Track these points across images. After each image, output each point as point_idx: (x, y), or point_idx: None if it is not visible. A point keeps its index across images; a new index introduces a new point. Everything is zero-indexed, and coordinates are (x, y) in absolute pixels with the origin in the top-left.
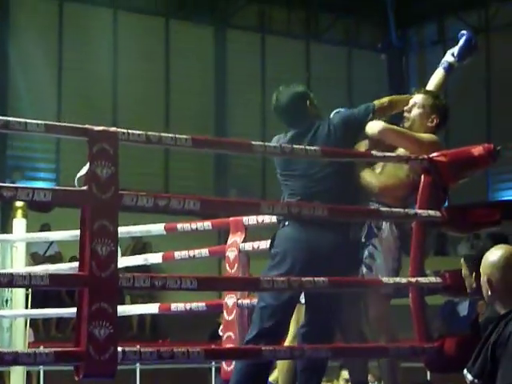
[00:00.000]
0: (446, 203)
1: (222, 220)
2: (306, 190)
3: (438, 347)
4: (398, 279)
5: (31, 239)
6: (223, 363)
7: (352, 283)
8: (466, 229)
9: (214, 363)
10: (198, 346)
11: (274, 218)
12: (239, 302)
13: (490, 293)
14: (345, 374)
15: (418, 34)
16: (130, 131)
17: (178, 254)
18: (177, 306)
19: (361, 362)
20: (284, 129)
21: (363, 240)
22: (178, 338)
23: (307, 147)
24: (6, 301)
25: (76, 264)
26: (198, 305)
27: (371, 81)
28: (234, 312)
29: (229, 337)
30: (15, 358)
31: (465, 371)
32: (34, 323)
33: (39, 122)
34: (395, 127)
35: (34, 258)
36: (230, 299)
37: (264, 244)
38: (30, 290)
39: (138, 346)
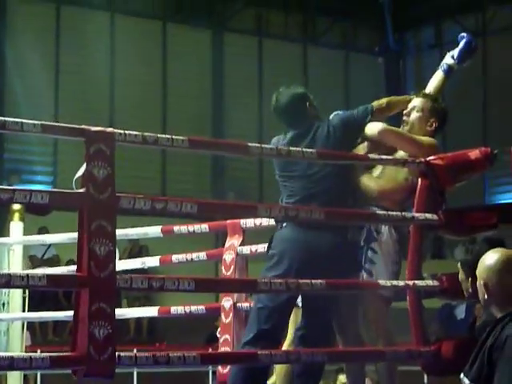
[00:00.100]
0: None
1: (220, 223)
2: (304, 191)
3: (435, 351)
4: (395, 282)
5: (28, 242)
6: (219, 366)
7: (349, 286)
8: (462, 232)
9: (210, 367)
10: (194, 350)
11: (271, 221)
12: (237, 305)
13: (486, 296)
14: (342, 378)
15: (415, 38)
16: (126, 132)
17: (175, 258)
18: (176, 309)
19: (358, 365)
20: (283, 130)
21: (362, 243)
22: (175, 341)
23: (304, 149)
24: (3, 304)
25: (73, 267)
26: (198, 308)
27: (368, 84)
28: (231, 315)
29: (225, 340)
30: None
31: (461, 375)
32: (31, 326)
33: (36, 122)
34: (395, 128)
35: (32, 260)
36: (226, 302)
37: (262, 247)
38: (26, 293)
39: (135, 351)
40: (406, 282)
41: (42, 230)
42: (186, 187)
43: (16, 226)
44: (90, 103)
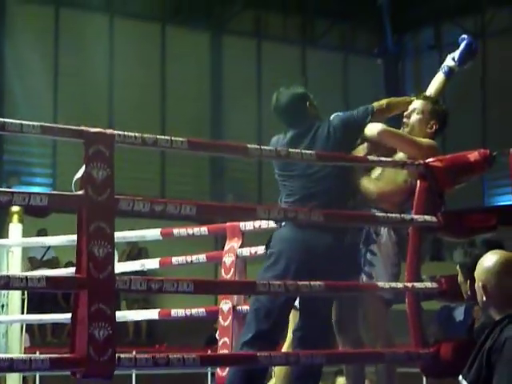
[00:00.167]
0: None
1: (219, 225)
2: (304, 191)
3: (433, 352)
4: (394, 284)
5: (27, 244)
6: (218, 368)
7: (349, 288)
8: (462, 234)
9: (210, 368)
10: (193, 352)
11: (271, 224)
12: (236, 307)
13: (484, 298)
14: (341, 380)
15: (414, 40)
16: (125, 133)
17: (175, 260)
18: (177, 312)
19: (358, 367)
20: (282, 131)
21: (361, 246)
22: (174, 344)
23: (303, 151)
24: (2, 306)
25: (72, 270)
26: (198, 310)
27: (367, 86)
28: (230, 318)
29: (224, 342)
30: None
31: (460, 377)
32: (29, 328)
33: (35, 123)
34: (394, 129)
35: (32, 262)
36: (225, 305)
37: (261, 249)
38: (25, 295)
39: (134, 353)
40: (405, 284)
41: (42, 232)
42: (185, 189)
43: (15, 227)
44: (89, 105)
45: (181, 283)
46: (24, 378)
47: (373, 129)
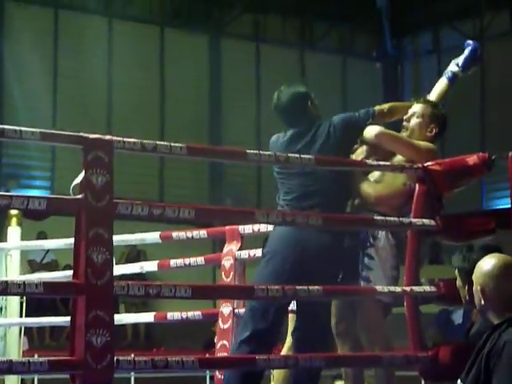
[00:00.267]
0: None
1: (218, 229)
2: (302, 189)
3: (432, 356)
4: (392, 288)
5: (26, 247)
6: (216, 371)
7: (347, 292)
8: (460, 238)
9: (208, 371)
10: (192, 355)
11: (270, 227)
12: (235, 310)
13: (483, 302)
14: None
15: (412, 43)
16: (125, 139)
17: (173, 262)
18: (173, 315)
19: (357, 371)
20: (282, 131)
21: (359, 249)
22: (172, 347)
23: (302, 156)
24: (1, 309)
25: (70, 272)
26: (194, 313)
27: (366, 89)
28: (230, 321)
29: (223, 345)
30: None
31: (458, 381)
32: (28, 331)
33: (34, 130)
34: (392, 132)
35: (31, 265)
36: (225, 308)
37: (260, 252)
38: (24, 298)
39: (133, 355)
40: (404, 287)
41: (41, 235)
42: (184, 192)
43: (13, 231)
44: (87, 107)
45: (179, 288)
46: (22, 380)
47: (371, 131)
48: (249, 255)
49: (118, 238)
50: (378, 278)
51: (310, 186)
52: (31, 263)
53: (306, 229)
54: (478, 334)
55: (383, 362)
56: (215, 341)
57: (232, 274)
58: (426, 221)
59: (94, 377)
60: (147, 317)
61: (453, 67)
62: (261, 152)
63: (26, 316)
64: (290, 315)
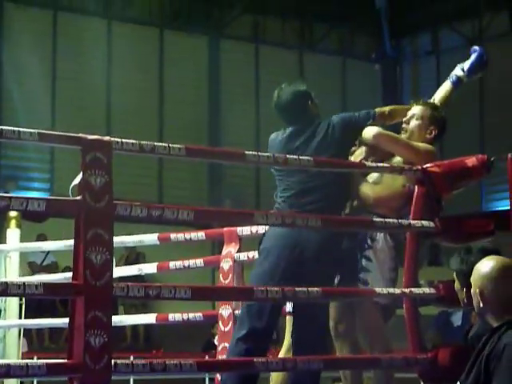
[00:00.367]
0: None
1: (216, 230)
2: (301, 185)
3: (431, 358)
4: (391, 290)
5: (25, 249)
6: (218, 374)
7: (346, 293)
8: (459, 239)
9: (207, 374)
10: (190, 358)
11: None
12: (235, 312)
13: (481, 305)
14: None
15: (411, 44)
16: (123, 140)
17: (172, 264)
18: (174, 316)
19: (356, 373)
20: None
21: (357, 251)
22: (171, 349)
23: (301, 157)
24: (0, 311)
25: (70, 274)
26: (195, 315)
27: (365, 91)
28: (230, 323)
29: (224, 348)
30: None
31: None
32: (27, 333)
33: (33, 130)
34: (391, 133)
35: (32, 267)
36: (225, 310)
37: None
38: (23, 300)
39: (131, 358)
40: (403, 289)
41: (41, 237)
42: (183, 194)
43: (13, 232)
44: (87, 109)
45: (178, 289)
46: (21, 382)
47: (370, 132)
48: (247, 257)
49: (116, 240)
50: (375, 280)
51: (308, 182)
52: (31, 265)
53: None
54: (476, 337)
55: (382, 363)
56: (216, 343)
57: (230, 275)
58: (425, 222)
59: (92, 378)
60: (148, 318)
61: (458, 71)
62: (259, 153)
63: (26, 318)
64: (288, 317)
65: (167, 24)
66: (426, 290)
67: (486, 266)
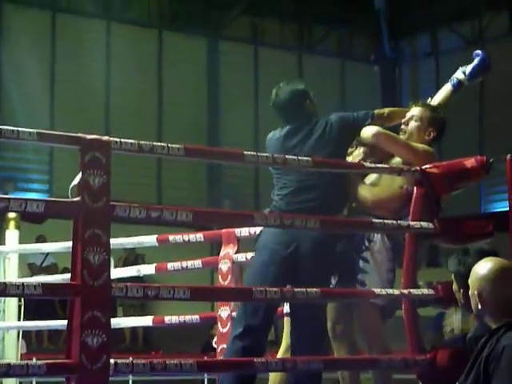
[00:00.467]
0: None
1: (215, 232)
2: (299, 184)
3: (430, 359)
4: (390, 291)
5: (24, 250)
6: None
7: (345, 294)
8: (458, 241)
9: (206, 375)
10: (190, 358)
11: None
12: (233, 313)
13: (479, 306)
14: None
15: (410, 46)
16: (122, 140)
17: (170, 265)
18: (170, 319)
19: (353, 374)
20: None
21: (354, 253)
22: (170, 350)
23: (300, 157)
24: None
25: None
26: (192, 317)
27: (364, 92)
28: (229, 324)
29: (223, 349)
30: (7, 370)
31: None
32: (26, 335)
33: (31, 130)
34: (390, 133)
35: (31, 268)
36: (223, 311)
37: None
38: (22, 301)
39: (131, 358)
40: (402, 290)
41: (40, 239)
42: (182, 194)
43: (11, 234)
44: (85, 111)
45: (177, 290)
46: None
47: (368, 131)
48: (246, 258)
49: (114, 241)
50: (373, 281)
51: (306, 180)
52: (31, 266)
53: None
54: (474, 338)
55: (381, 364)
56: (215, 345)
57: (229, 277)
58: (424, 224)
59: (90, 378)
60: (145, 320)
61: (459, 75)
62: (258, 153)
63: (25, 319)
64: (286, 318)
65: (166, 25)
66: (425, 291)
67: (483, 267)
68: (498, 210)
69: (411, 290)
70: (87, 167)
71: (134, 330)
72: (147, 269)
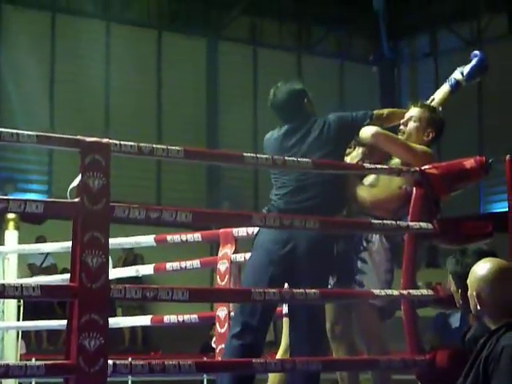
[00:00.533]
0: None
1: (212, 232)
2: (297, 183)
3: (429, 360)
4: (389, 291)
5: (23, 251)
6: None
7: (344, 295)
8: (458, 241)
9: (205, 376)
10: (189, 358)
11: None
12: (231, 314)
13: (478, 307)
14: None
15: (409, 46)
16: (122, 142)
17: (169, 266)
18: (169, 318)
19: (352, 374)
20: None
21: (352, 253)
22: (169, 351)
23: (299, 159)
24: None
25: (67, 276)
26: (191, 317)
27: (363, 93)
28: (227, 324)
29: (222, 349)
30: (6, 371)
31: None
32: (25, 335)
33: (31, 133)
34: (389, 133)
35: (31, 269)
36: (221, 312)
37: None
38: (21, 301)
39: (130, 359)
40: (401, 291)
41: (40, 239)
42: (182, 196)
43: (11, 234)
44: (85, 111)
45: (176, 291)
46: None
47: (367, 131)
48: (244, 258)
49: (112, 241)
50: (371, 282)
51: (304, 179)
52: (31, 267)
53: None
54: (473, 339)
55: (381, 365)
56: (214, 345)
57: (227, 277)
58: (423, 224)
59: (87, 380)
60: (144, 320)
61: (457, 75)
62: (258, 155)
63: (24, 320)
64: (285, 319)
65: (165, 26)
66: (424, 291)
67: (482, 268)
68: (498, 210)
69: (410, 291)
70: (87, 169)
71: (133, 330)
72: (146, 269)
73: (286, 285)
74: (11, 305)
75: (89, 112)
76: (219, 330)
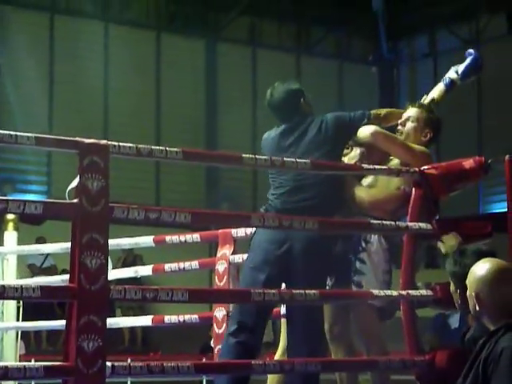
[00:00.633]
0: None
1: (211, 232)
2: (295, 183)
3: (429, 360)
4: (388, 292)
5: (22, 252)
6: None
7: (343, 296)
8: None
9: (204, 376)
10: (188, 360)
11: None
12: (229, 314)
13: (477, 308)
14: None
15: (408, 47)
16: (120, 144)
17: (168, 266)
18: (170, 318)
19: (352, 375)
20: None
21: (350, 254)
22: (169, 351)
23: (298, 160)
24: None
25: (67, 277)
26: (191, 317)
27: (362, 93)
28: (224, 325)
29: (220, 349)
30: (5, 373)
31: None
32: (25, 336)
33: (30, 134)
34: (388, 132)
35: (31, 269)
36: (219, 312)
37: None
38: (21, 302)
39: (128, 360)
40: (400, 291)
41: (40, 240)
42: (181, 197)
43: (10, 235)
44: (84, 112)
45: (175, 292)
46: None
47: (366, 130)
48: (242, 259)
49: (112, 242)
50: (370, 282)
51: (301, 179)
52: (31, 268)
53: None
54: (473, 339)
55: (380, 366)
56: (212, 345)
57: (226, 278)
58: (422, 225)
59: (85, 382)
60: (145, 320)
61: (452, 74)
62: (257, 156)
63: (23, 320)
64: (283, 320)
65: (164, 27)
66: (424, 292)
67: (481, 268)
68: (497, 210)
69: (410, 291)
70: (85, 171)
71: (132, 331)
72: (144, 270)
73: (284, 285)
74: (10, 305)
75: (87, 113)
76: (217, 330)
